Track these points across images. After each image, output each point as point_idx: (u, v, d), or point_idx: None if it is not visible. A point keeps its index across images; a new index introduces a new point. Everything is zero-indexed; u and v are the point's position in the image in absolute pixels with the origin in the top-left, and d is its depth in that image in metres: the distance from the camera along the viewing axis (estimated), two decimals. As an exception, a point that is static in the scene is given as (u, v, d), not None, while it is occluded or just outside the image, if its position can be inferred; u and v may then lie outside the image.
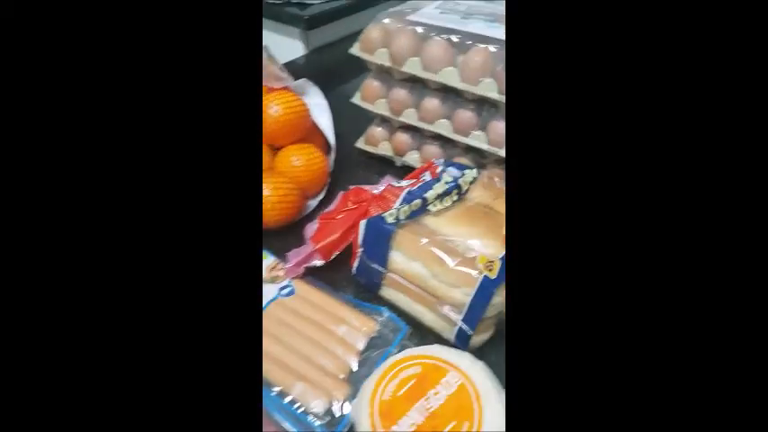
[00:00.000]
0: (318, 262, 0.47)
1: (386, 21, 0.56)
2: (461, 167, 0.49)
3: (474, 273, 0.37)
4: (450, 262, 0.38)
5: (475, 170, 0.48)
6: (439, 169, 0.49)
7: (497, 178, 0.49)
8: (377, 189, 0.54)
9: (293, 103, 0.55)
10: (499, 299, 0.38)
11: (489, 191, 0.46)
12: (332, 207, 0.53)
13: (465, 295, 0.37)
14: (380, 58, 0.56)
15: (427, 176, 0.49)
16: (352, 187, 0.54)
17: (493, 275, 0.37)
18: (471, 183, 0.47)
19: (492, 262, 0.38)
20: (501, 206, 0.44)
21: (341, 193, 0.53)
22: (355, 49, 0.58)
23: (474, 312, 0.37)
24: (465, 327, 0.38)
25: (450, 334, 0.39)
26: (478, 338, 0.39)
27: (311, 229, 0.50)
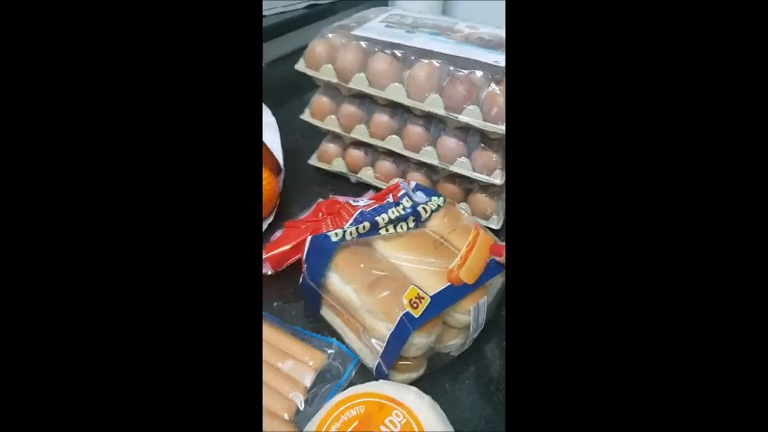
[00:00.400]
0: (268, 270, 0.46)
1: (330, 36, 0.54)
2: (429, 193, 0.47)
3: (397, 309, 0.36)
4: (379, 293, 0.37)
5: (441, 198, 0.46)
6: (400, 193, 0.47)
7: (465, 211, 0.48)
8: (356, 201, 0.52)
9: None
10: (425, 340, 0.36)
11: (449, 221, 0.45)
12: (306, 214, 0.52)
13: (387, 330, 0.36)
14: (326, 74, 0.54)
15: (390, 199, 0.47)
16: (330, 197, 0.53)
17: (416, 313, 0.35)
18: (435, 210, 0.46)
19: (420, 298, 0.36)
20: (456, 239, 0.43)
21: (318, 201, 0.52)
22: (301, 65, 0.56)
23: (391, 349, 0.35)
24: (382, 363, 0.36)
25: (373, 367, 0.38)
26: (402, 377, 0.38)
27: (274, 236, 0.49)
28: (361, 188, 0.60)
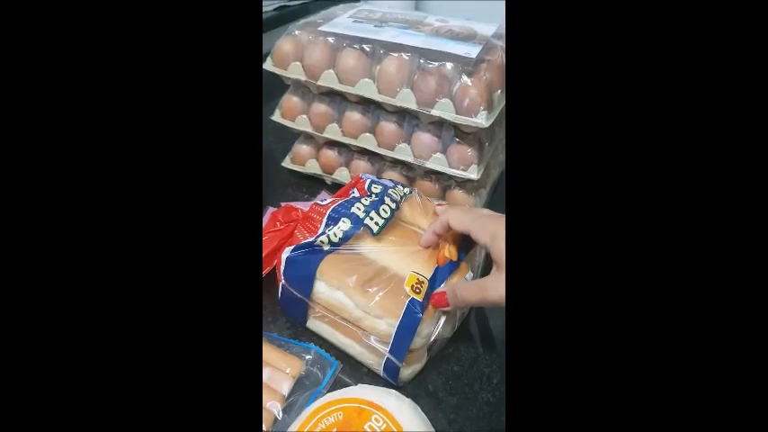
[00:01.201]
0: None
1: (297, 33, 0.53)
2: (394, 182, 0.46)
3: (399, 302, 0.35)
4: (373, 291, 0.36)
5: (407, 189, 0.45)
6: (366, 184, 0.46)
7: (429, 198, 0.47)
8: (323, 201, 0.51)
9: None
10: (427, 329, 0.35)
11: (421, 209, 0.44)
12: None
13: (389, 326, 0.35)
14: (295, 72, 0.53)
15: (356, 192, 0.46)
16: (283, 204, 0.51)
17: (420, 297, 0.35)
18: (402, 199, 0.44)
19: (421, 283, 0.36)
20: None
21: (270, 211, 0.50)
22: (268, 65, 0.55)
23: (401, 341, 0.34)
24: (392, 358, 0.35)
25: (379, 367, 0.37)
26: (408, 371, 0.37)
27: None
28: (338, 189, 0.59)
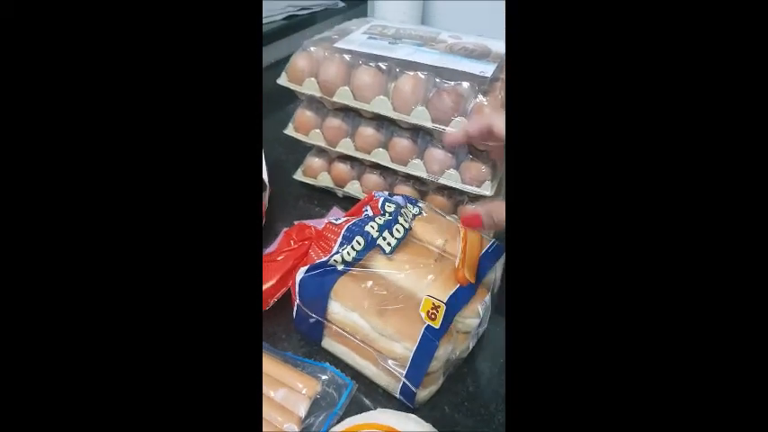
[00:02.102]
0: None
1: (312, 49, 0.53)
2: (406, 199, 0.46)
3: (415, 325, 0.35)
4: (388, 313, 0.36)
5: (419, 205, 0.46)
6: (380, 202, 0.46)
7: (441, 212, 0.47)
8: (322, 224, 0.51)
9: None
10: (444, 352, 0.35)
11: (436, 227, 0.44)
12: (274, 246, 0.49)
13: (406, 349, 0.35)
14: (309, 88, 0.53)
15: (369, 211, 0.46)
16: (296, 223, 0.51)
17: (436, 324, 0.35)
18: (416, 215, 0.45)
19: (437, 308, 0.36)
20: (453, 248, 0.42)
21: (284, 230, 0.50)
22: (283, 80, 0.55)
23: (417, 367, 0.35)
24: (409, 383, 0.35)
25: (395, 389, 0.37)
26: (424, 393, 0.37)
27: None
28: (349, 202, 0.59)
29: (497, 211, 0.32)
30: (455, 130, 0.47)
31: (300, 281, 0.39)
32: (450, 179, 0.51)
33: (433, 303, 0.36)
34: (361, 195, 0.58)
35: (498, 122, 0.31)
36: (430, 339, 0.34)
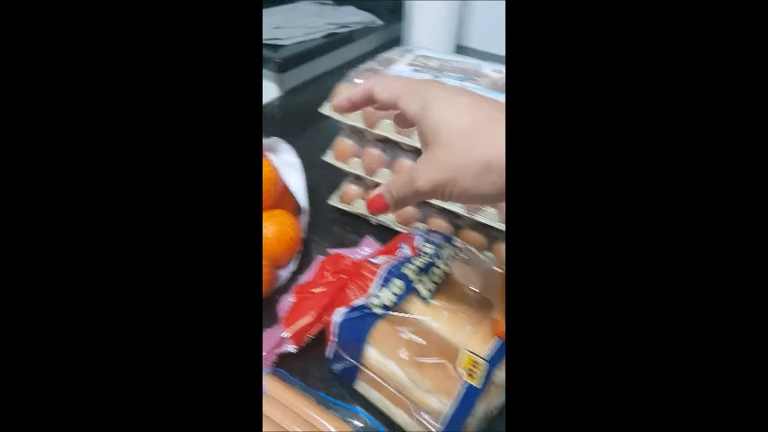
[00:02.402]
0: (291, 348, 0.43)
1: (357, 81, 0.53)
2: (443, 237, 0.46)
3: (452, 380, 0.34)
4: (426, 365, 0.35)
5: (456, 245, 0.45)
6: (416, 241, 0.46)
7: (477, 250, 0.46)
8: (358, 254, 0.51)
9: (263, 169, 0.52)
10: (483, 409, 0.34)
11: (472, 268, 0.43)
12: (309, 276, 0.49)
13: (441, 404, 0.34)
14: (353, 119, 0.53)
15: (406, 250, 0.46)
16: (331, 252, 0.51)
17: (477, 383, 0.34)
18: (449, 259, 0.44)
19: (476, 364, 0.35)
20: (490, 293, 0.41)
21: (318, 259, 0.50)
22: (326, 109, 0.55)
23: (455, 424, 0.34)
24: None
25: None
26: None
27: (286, 302, 0.47)
28: (382, 231, 0.59)
29: (393, 184, 0.30)
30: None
31: (341, 323, 0.39)
32: (488, 217, 0.50)
33: (474, 361, 0.35)
34: (395, 225, 0.58)
35: (378, 85, 0.31)
36: (470, 399, 0.33)
